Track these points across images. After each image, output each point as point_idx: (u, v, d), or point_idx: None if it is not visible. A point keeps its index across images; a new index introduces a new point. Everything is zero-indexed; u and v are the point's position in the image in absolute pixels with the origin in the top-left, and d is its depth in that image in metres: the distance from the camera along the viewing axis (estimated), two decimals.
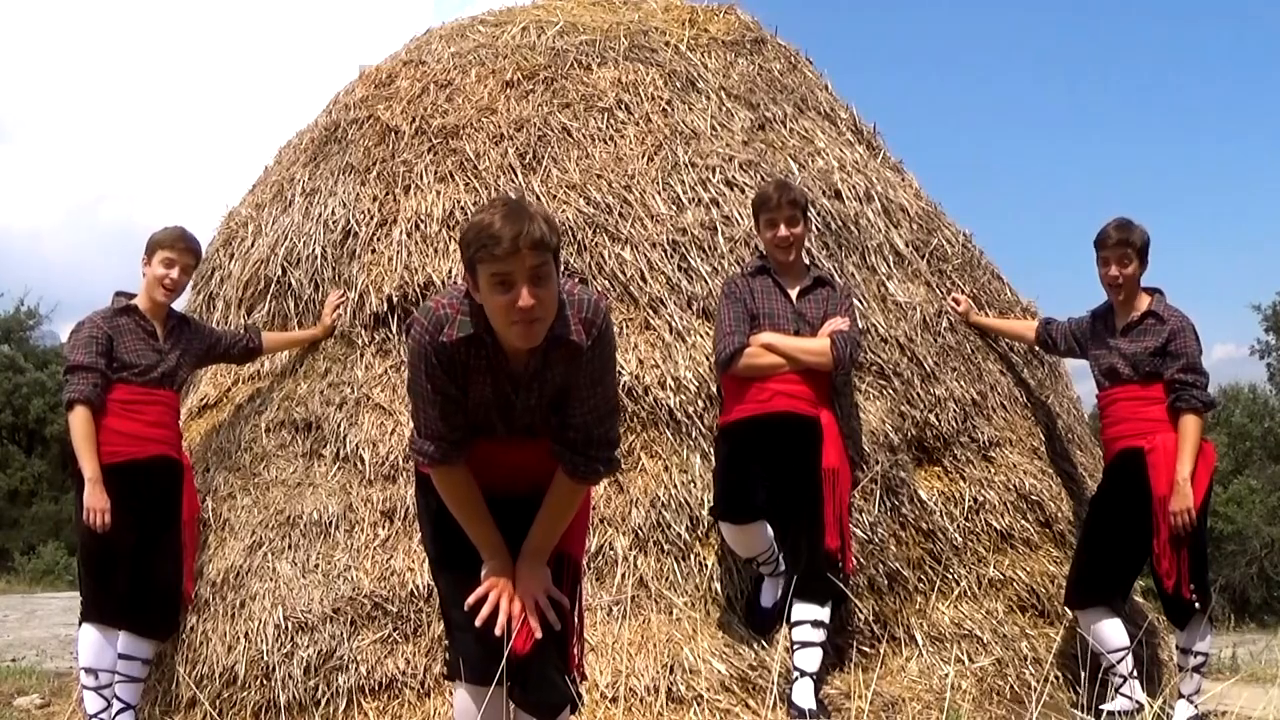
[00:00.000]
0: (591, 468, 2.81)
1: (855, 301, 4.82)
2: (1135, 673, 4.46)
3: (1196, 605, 4.36)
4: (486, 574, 2.78)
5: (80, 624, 4.45)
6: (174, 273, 4.57)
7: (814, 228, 4.99)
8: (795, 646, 4.15)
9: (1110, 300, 4.70)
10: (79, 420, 4.34)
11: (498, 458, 2.83)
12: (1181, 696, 4.46)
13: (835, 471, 4.24)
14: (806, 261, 4.71)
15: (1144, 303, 4.59)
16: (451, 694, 3.98)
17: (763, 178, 5.10)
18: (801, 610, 4.15)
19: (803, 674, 4.10)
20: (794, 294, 4.46)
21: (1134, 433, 4.48)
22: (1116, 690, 4.43)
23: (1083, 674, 4.55)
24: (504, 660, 2.68)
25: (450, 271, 4.85)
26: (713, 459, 4.47)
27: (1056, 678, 4.70)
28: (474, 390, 2.73)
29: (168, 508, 4.50)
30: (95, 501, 4.27)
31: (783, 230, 4.42)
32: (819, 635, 4.15)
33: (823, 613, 4.16)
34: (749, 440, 4.25)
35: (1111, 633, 4.44)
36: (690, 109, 5.46)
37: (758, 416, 4.25)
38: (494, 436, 2.80)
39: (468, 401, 2.74)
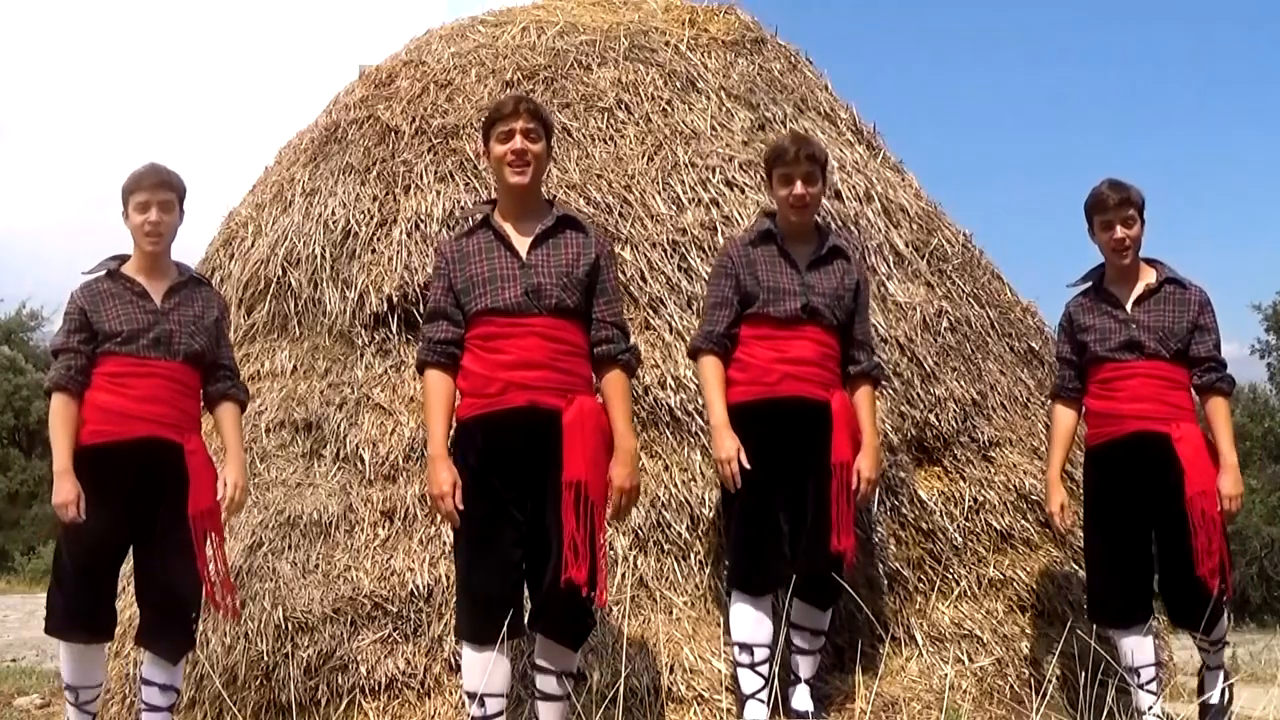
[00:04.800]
0: (632, 354, 3.61)
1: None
2: (1159, 685, 4.18)
3: (1224, 605, 4.11)
4: (438, 472, 3.40)
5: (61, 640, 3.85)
6: (151, 215, 3.83)
7: None
8: (793, 651, 4.06)
9: (1106, 269, 4.27)
10: (52, 409, 3.77)
11: (513, 348, 3.40)
12: (1199, 700, 4.33)
13: (846, 465, 3.88)
14: (821, 224, 4.27)
15: (1150, 272, 4.20)
16: (453, 693, 4.01)
17: (763, 177, 5.09)
18: (801, 614, 4.04)
19: (800, 679, 4.07)
20: (804, 262, 4.03)
21: (1158, 415, 4.05)
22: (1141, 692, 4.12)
23: (1083, 674, 4.54)
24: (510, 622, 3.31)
25: None
26: (712, 455, 4.41)
27: (1056, 678, 4.70)
28: (485, 265, 3.46)
29: (165, 500, 3.74)
30: (60, 495, 3.65)
31: (799, 188, 3.98)
32: (818, 643, 4.09)
33: (823, 619, 4.06)
34: (751, 431, 3.89)
35: (1149, 651, 4.12)
36: (690, 109, 5.46)
37: (761, 404, 3.92)
38: (511, 314, 3.41)
39: (476, 281, 3.45)
